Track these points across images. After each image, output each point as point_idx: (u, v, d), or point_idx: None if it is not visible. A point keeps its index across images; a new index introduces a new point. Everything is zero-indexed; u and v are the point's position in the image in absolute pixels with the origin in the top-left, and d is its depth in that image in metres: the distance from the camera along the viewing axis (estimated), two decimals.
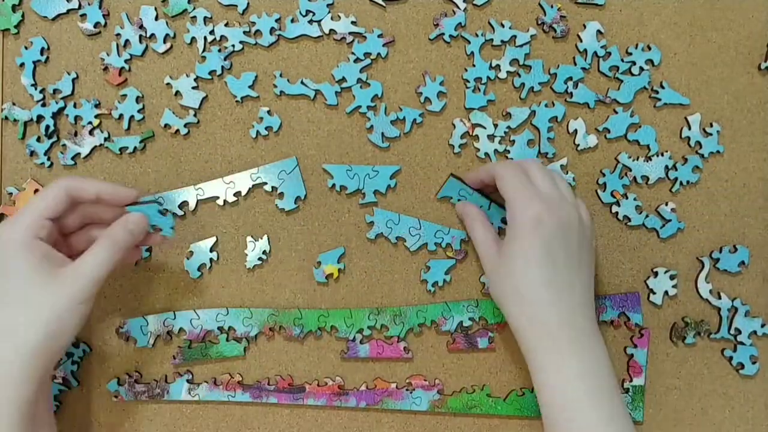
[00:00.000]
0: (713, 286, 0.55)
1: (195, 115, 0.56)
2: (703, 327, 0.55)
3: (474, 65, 0.55)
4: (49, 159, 0.56)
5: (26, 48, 0.56)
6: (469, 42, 0.55)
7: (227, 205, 0.56)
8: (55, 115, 0.56)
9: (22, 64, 0.56)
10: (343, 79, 0.55)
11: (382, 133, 0.55)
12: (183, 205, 0.55)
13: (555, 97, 0.55)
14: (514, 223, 0.47)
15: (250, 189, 0.55)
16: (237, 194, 0.55)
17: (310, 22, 0.55)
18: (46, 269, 0.44)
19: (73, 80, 0.56)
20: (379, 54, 0.55)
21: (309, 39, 0.56)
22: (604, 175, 0.55)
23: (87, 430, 0.56)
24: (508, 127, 0.55)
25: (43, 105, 0.56)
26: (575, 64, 0.55)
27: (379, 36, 0.55)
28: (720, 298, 0.55)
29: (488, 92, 0.55)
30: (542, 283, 0.46)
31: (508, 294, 0.47)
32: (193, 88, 0.56)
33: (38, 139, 0.56)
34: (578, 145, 0.55)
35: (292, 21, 0.55)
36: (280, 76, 0.56)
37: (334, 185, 0.55)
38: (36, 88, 0.56)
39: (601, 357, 0.46)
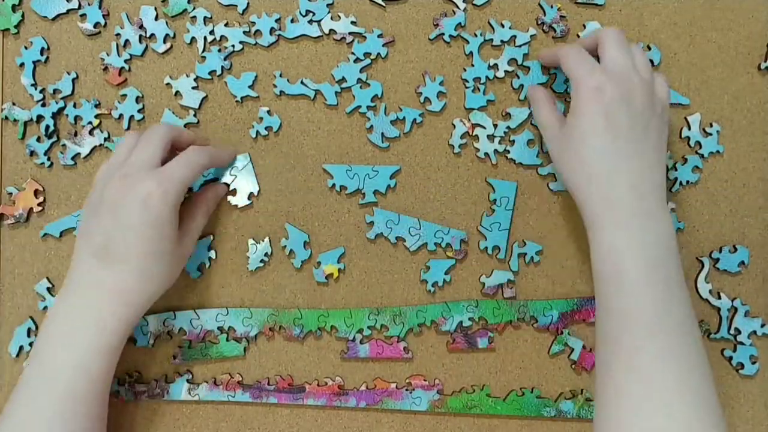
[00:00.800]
0: (713, 286, 0.55)
1: (195, 115, 0.56)
2: (703, 327, 0.54)
3: (473, 65, 0.55)
4: (49, 159, 0.56)
5: (26, 48, 0.56)
6: (468, 42, 0.55)
7: (228, 206, 0.56)
8: (55, 115, 0.56)
9: (22, 64, 0.56)
10: (343, 79, 0.55)
11: (382, 133, 0.55)
12: None
13: (555, 96, 0.55)
14: (576, 95, 0.46)
15: (201, 185, 0.55)
16: (189, 191, 0.55)
17: (310, 22, 0.55)
18: (176, 229, 0.49)
19: (73, 80, 0.56)
20: (379, 54, 0.55)
21: (309, 39, 0.56)
22: None
23: None
24: (508, 127, 0.55)
25: (43, 105, 0.56)
26: None
27: (379, 36, 0.55)
28: (720, 298, 0.55)
29: (488, 92, 0.55)
30: (602, 152, 0.45)
31: (570, 165, 0.47)
32: (193, 88, 0.56)
33: (38, 139, 0.56)
34: None
35: (292, 21, 0.55)
36: (280, 75, 0.56)
37: (334, 185, 0.56)
38: (36, 88, 0.56)
39: (664, 232, 0.45)
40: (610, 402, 0.44)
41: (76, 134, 0.56)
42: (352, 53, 0.55)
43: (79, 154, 0.56)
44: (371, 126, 0.55)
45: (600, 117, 0.45)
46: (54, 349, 0.47)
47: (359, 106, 0.55)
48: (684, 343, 0.44)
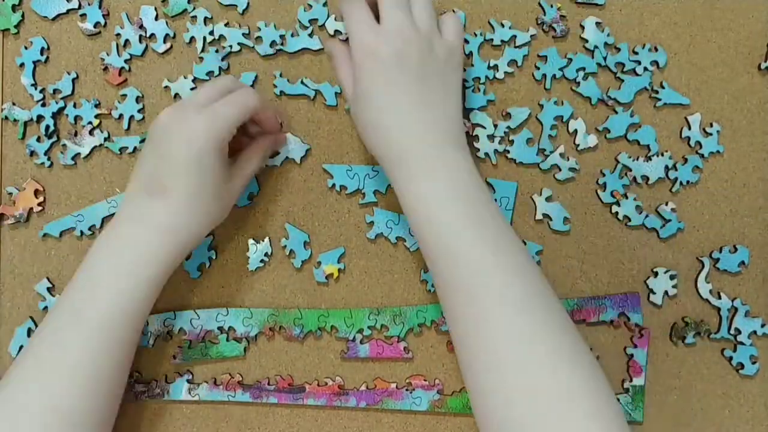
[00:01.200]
0: (713, 286, 0.55)
1: None
2: (703, 327, 0.55)
3: (473, 65, 0.55)
4: (49, 159, 0.56)
5: (26, 48, 0.56)
6: (468, 42, 0.55)
7: None
8: (55, 115, 0.56)
9: (22, 64, 0.56)
10: None
11: None
12: None
13: (567, 84, 0.55)
14: (354, 57, 0.47)
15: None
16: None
17: (311, 35, 0.55)
18: (226, 166, 0.49)
19: (73, 80, 0.56)
20: None
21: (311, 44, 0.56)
22: (604, 175, 0.55)
23: None
24: (508, 127, 0.55)
25: (43, 105, 0.56)
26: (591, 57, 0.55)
27: None
28: (720, 298, 0.55)
29: (488, 92, 0.55)
30: (386, 111, 0.46)
31: (363, 125, 0.48)
32: (192, 89, 0.56)
33: (38, 139, 0.56)
34: (578, 144, 0.55)
35: (293, 35, 0.55)
36: (280, 75, 0.56)
37: (334, 185, 0.56)
38: (36, 88, 0.56)
39: (464, 177, 0.45)
40: (477, 360, 0.43)
41: (76, 134, 0.56)
42: None
43: (79, 154, 0.56)
44: None
45: (378, 76, 0.46)
46: (98, 274, 0.47)
47: None
48: (526, 282, 0.43)
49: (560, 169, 0.55)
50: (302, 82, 0.56)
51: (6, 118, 0.56)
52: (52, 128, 0.56)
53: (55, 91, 0.56)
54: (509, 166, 0.55)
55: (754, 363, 0.54)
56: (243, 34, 0.55)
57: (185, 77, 0.56)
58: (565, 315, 0.44)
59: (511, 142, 0.55)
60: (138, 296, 0.47)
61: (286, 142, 0.55)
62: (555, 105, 0.55)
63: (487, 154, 0.55)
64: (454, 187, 0.45)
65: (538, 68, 0.55)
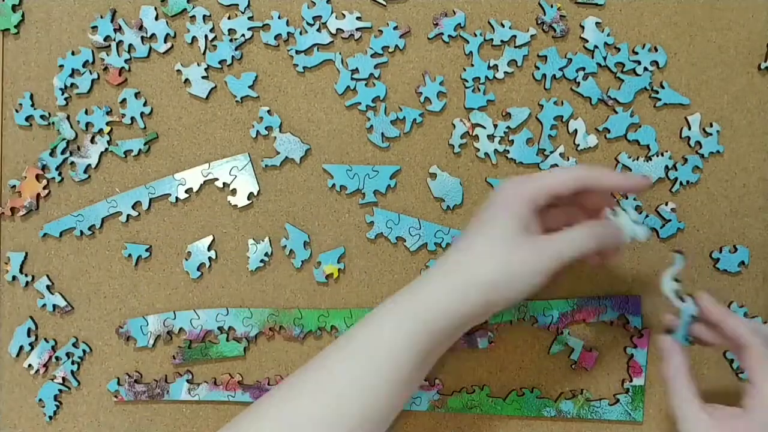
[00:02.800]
0: (680, 288, 0.52)
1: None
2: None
3: (473, 65, 0.55)
4: (60, 174, 0.56)
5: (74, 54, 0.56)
6: (468, 42, 0.55)
7: (228, 206, 0.56)
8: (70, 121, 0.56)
9: (61, 66, 0.56)
10: (356, 70, 0.55)
11: (382, 133, 0.55)
12: (136, 205, 0.55)
13: (567, 84, 0.55)
14: (761, 415, 0.42)
15: (201, 186, 0.55)
16: (189, 191, 0.56)
17: (319, 29, 0.55)
18: (526, 230, 0.43)
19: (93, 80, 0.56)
20: (397, 46, 0.55)
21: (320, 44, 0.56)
22: None
23: (87, 430, 0.56)
24: (508, 127, 0.55)
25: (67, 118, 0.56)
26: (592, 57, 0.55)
27: (395, 28, 0.55)
28: (683, 301, 0.49)
29: (488, 92, 0.55)
30: None
31: None
32: (203, 77, 0.55)
33: (51, 153, 0.56)
34: (578, 144, 0.55)
35: (301, 33, 0.55)
36: (296, 53, 0.55)
37: (334, 185, 0.55)
38: (63, 93, 0.56)
39: None
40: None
41: (79, 148, 0.56)
42: (370, 47, 0.55)
43: (90, 165, 0.56)
44: (371, 126, 0.55)
45: None
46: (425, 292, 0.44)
47: (359, 103, 0.55)
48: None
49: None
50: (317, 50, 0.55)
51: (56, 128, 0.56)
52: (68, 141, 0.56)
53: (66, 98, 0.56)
54: (509, 166, 0.55)
55: None
56: (248, 18, 0.55)
57: (198, 65, 0.56)
58: None
59: (511, 142, 0.55)
60: (443, 326, 0.43)
61: (621, 237, 0.46)
62: (555, 105, 0.55)
63: (487, 154, 0.55)
64: None
65: (538, 68, 0.55)
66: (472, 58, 0.55)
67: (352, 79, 0.55)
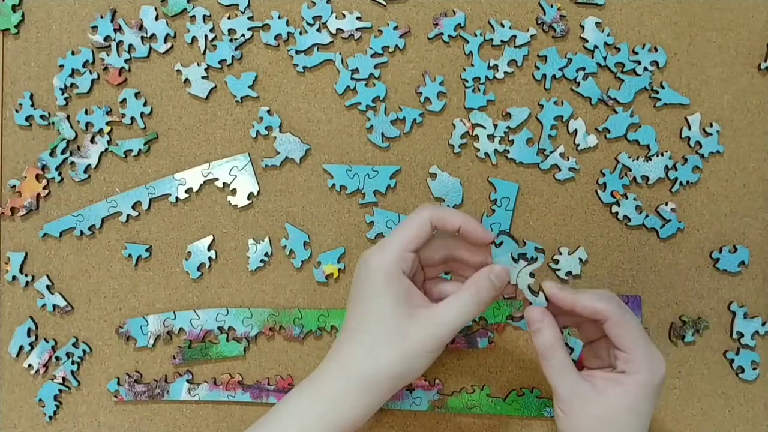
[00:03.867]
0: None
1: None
2: (702, 324, 0.54)
3: (473, 65, 0.55)
4: (60, 174, 0.56)
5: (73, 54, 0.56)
6: (468, 42, 0.55)
7: (228, 206, 0.56)
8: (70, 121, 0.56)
9: (61, 66, 0.56)
10: (356, 70, 0.55)
11: (382, 133, 0.55)
12: (136, 205, 0.55)
13: (567, 84, 0.55)
14: (638, 377, 0.42)
15: (201, 186, 0.55)
16: (189, 191, 0.56)
17: (319, 29, 0.55)
18: (406, 308, 0.42)
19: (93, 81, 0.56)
20: (397, 46, 0.55)
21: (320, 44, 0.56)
22: (604, 175, 0.55)
23: (87, 430, 0.56)
24: (508, 127, 0.55)
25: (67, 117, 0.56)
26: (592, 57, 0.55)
27: (395, 28, 0.55)
28: (536, 295, 0.49)
29: (488, 92, 0.55)
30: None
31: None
32: (203, 77, 0.55)
33: (51, 153, 0.56)
34: (578, 144, 0.55)
35: (301, 33, 0.55)
36: (296, 53, 0.55)
37: (334, 185, 0.55)
38: (63, 93, 0.56)
39: None
40: None
41: (79, 148, 0.56)
42: (370, 47, 0.55)
43: (89, 165, 0.56)
44: (371, 126, 0.55)
45: (649, 412, 0.43)
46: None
47: (359, 103, 0.55)
48: None
49: (560, 169, 0.55)
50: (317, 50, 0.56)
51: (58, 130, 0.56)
52: (71, 138, 0.56)
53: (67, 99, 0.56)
54: (509, 166, 0.55)
55: (754, 369, 0.54)
56: (248, 18, 0.55)
57: (198, 65, 0.56)
58: None
59: (512, 142, 0.55)
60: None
61: (506, 278, 0.44)
62: (555, 105, 0.55)
63: (487, 153, 0.55)
64: None
65: (538, 68, 0.55)
66: (472, 58, 0.55)
67: (352, 79, 0.55)
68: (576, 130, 0.55)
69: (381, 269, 0.42)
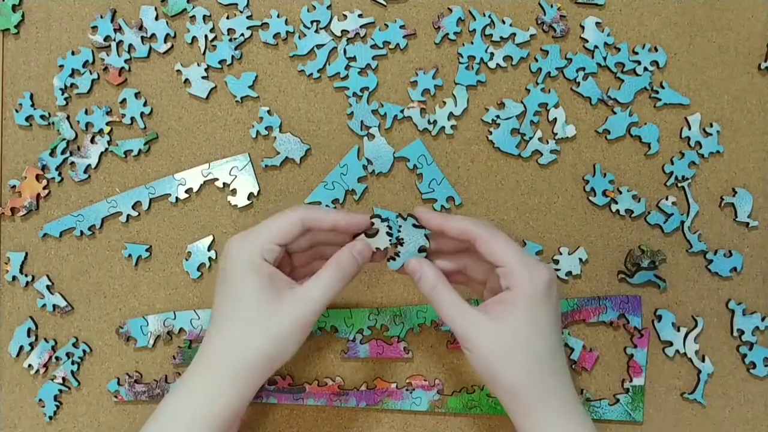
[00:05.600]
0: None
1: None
2: (659, 257, 0.54)
3: (473, 43, 0.55)
4: (60, 174, 0.56)
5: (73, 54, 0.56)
6: (475, 19, 0.55)
7: (228, 206, 0.56)
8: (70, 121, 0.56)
9: (61, 66, 0.56)
10: (354, 58, 0.55)
11: (362, 121, 0.55)
12: (136, 205, 0.55)
13: (567, 84, 0.55)
14: (521, 288, 0.42)
15: (201, 186, 0.55)
16: (189, 191, 0.56)
17: (318, 31, 0.55)
18: (271, 291, 0.43)
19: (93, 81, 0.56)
20: (398, 45, 0.55)
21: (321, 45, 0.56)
22: (587, 182, 0.55)
23: (87, 430, 0.56)
24: (498, 116, 0.55)
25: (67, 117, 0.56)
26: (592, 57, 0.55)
27: (401, 27, 0.55)
28: (703, 361, 0.55)
29: (480, 73, 0.55)
30: (551, 354, 0.43)
31: (507, 361, 0.42)
32: (203, 77, 0.55)
33: (51, 153, 0.56)
34: (556, 134, 0.55)
35: (300, 38, 0.55)
36: (299, 38, 0.55)
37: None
38: (63, 93, 0.56)
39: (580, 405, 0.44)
40: None
41: (79, 148, 0.56)
42: (372, 39, 0.55)
43: (89, 165, 0.56)
44: (352, 112, 0.55)
45: (553, 317, 0.43)
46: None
47: (347, 88, 0.55)
48: None
49: (541, 154, 0.55)
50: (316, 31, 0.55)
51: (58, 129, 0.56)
52: (71, 139, 0.56)
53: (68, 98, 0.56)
54: (493, 155, 0.55)
55: (766, 366, 0.54)
56: (247, 17, 0.55)
57: (198, 65, 0.56)
58: None
59: (498, 125, 0.55)
60: None
61: (369, 251, 0.46)
62: (542, 92, 0.55)
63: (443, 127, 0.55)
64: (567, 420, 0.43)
65: (537, 60, 0.55)
66: (475, 35, 0.55)
67: (348, 66, 0.55)
68: (555, 119, 0.55)
69: (242, 257, 0.43)
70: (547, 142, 0.55)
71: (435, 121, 0.55)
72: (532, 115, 0.55)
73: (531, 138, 0.55)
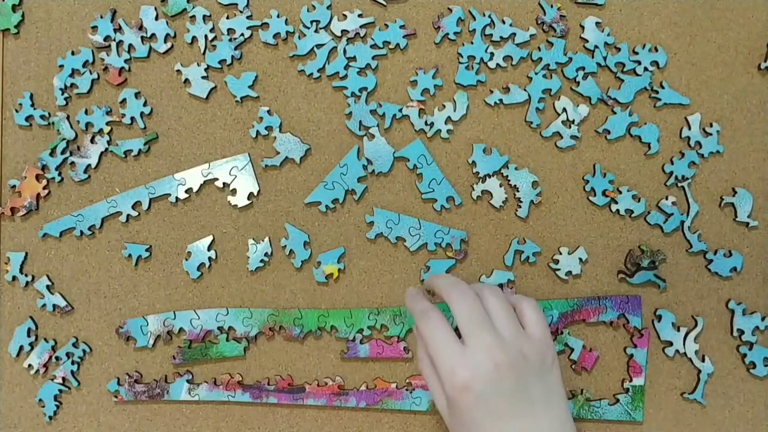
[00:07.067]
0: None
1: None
2: (659, 257, 0.54)
3: (473, 43, 0.55)
4: (60, 174, 0.56)
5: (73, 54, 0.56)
6: (474, 19, 0.55)
7: (228, 206, 0.56)
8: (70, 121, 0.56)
9: (61, 66, 0.56)
10: (354, 58, 0.55)
11: (360, 122, 0.55)
12: (136, 205, 0.55)
13: (567, 84, 0.55)
14: (445, 389, 0.42)
15: (201, 186, 0.55)
16: (189, 191, 0.56)
17: (317, 31, 0.55)
18: None
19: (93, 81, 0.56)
20: (398, 45, 0.55)
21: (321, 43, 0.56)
22: (587, 181, 0.55)
23: (87, 430, 0.56)
24: (501, 99, 0.55)
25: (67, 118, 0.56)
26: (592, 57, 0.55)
27: (402, 27, 0.55)
28: (703, 361, 0.55)
29: (480, 73, 0.55)
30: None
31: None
32: (203, 77, 0.55)
33: (51, 153, 0.56)
34: (573, 120, 0.55)
35: (300, 38, 0.55)
36: (299, 38, 0.55)
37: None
38: (63, 93, 0.56)
39: None
40: None
41: (79, 148, 0.56)
42: (372, 39, 0.55)
43: (89, 165, 0.56)
44: (350, 112, 0.55)
45: (476, 409, 0.42)
46: None
47: (346, 87, 0.55)
48: None
49: (561, 137, 0.55)
50: (315, 31, 0.55)
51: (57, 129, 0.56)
52: (70, 138, 0.56)
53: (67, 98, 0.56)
54: (504, 133, 0.55)
55: (766, 365, 0.54)
56: (247, 17, 0.55)
57: (198, 65, 0.56)
58: None
59: (507, 90, 0.55)
60: None
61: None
62: (544, 78, 0.55)
63: (439, 130, 0.55)
64: None
65: (540, 50, 0.55)
66: (475, 35, 0.55)
67: (348, 66, 0.55)
68: (564, 109, 0.55)
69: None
70: (570, 126, 0.55)
71: (432, 123, 0.55)
72: (537, 102, 0.55)
73: (538, 126, 0.55)
